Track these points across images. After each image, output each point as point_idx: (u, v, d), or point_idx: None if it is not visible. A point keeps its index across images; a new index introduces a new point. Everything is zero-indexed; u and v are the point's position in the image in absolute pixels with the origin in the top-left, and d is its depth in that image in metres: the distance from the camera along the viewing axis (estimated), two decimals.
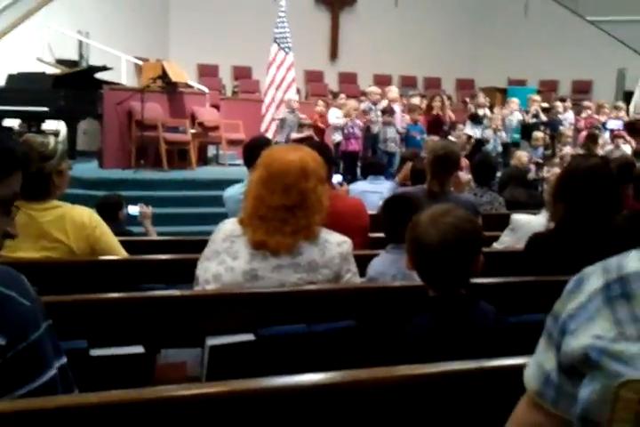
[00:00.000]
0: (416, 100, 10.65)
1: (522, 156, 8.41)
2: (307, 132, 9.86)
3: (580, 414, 0.79)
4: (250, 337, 2.21)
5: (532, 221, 3.56)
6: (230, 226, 2.52)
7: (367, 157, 9.48)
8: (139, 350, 2.07)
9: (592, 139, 9.87)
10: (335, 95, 11.96)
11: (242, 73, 16.21)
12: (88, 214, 3.03)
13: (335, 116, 10.04)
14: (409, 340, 2.02)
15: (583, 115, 12.03)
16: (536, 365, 0.88)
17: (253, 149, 4.25)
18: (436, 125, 10.32)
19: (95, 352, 2.00)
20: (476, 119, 10.52)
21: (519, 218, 3.69)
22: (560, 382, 0.83)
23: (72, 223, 2.93)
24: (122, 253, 3.17)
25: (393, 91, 10.81)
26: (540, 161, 9.68)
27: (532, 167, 8.93)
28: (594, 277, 0.83)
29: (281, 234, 2.38)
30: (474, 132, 10.40)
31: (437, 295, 2.09)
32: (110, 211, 4.99)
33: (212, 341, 2.16)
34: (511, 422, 0.96)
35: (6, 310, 1.19)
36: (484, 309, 2.12)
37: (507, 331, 2.15)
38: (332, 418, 1.60)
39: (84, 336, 2.02)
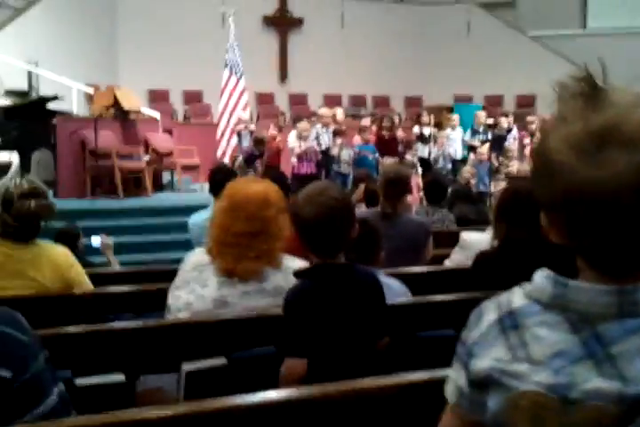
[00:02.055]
0: (366, 121, 10.90)
1: (464, 171, 8.81)
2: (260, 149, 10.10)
3: (491, 419, 1.02)
4: (223, 361, 2.36)
5: (478, 239, 3.76)
6: (198, 256, 2.68)
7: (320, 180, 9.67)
8: (120, 377, 2.21)
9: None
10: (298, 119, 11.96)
11: (193, 97, 16.32)
12: (64, 255, 3.17)
13: (293, 140, 10.16)
14: (286, 304, 2.35)
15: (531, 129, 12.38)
16: (452, 381, 1.11)
17: (218, 178, 4.41)
18: (389, 146, 10.57)
19: (80, 381, 2.13)
20: (423, 140, 10.85)
21: (467, 236, 3.91)
22: (471, 395, 1.05)
23: (49, 263, 3.05)
24: (90, 288, 3.30)
25: (339, 113, 11.02)
26: (486, 176, 10.00)
27: (473, 182, 9.20)
28: (490, 312, 1.05)
29: (246, 259, 2.56)
30: (424, 152, 10.73)
31: (317, 263, 2.42)
32: (69, 242, 5.06)
33: (188, 366, 2.30)
34: None
35: (7, 346, 1.34)
36: (360, 272, 2.48)
37: (379, 287, 2.49)
38: None
39: (68, 366, 2.15)
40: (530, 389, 0.96)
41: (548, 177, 0.95)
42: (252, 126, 10.91)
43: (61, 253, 3.17)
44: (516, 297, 1.04)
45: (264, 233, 2.61)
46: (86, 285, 3.25)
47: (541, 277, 1.02)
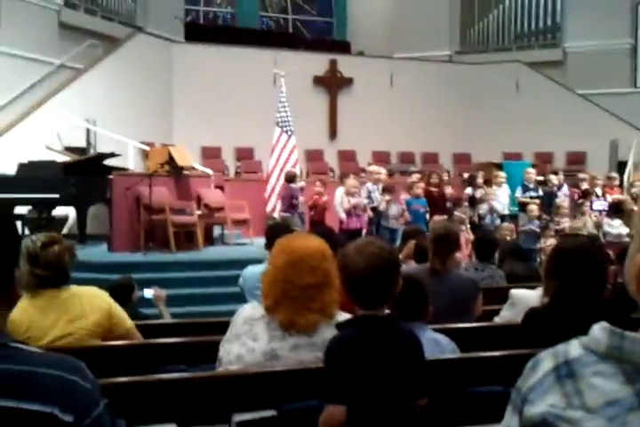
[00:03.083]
0: (415, 178, 10.97)
1: (503, 228, 8.92)
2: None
3: None
4: (272, 413, 2.39)
5: (529, 296, 3.75)
6: (249, 310, 2.74)
7: (371, 235, 9.72)
8: None
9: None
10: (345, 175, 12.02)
11: (244, 154, 16.65)
12: (96, 290, 3.46)
13: (340, 196, 10.24)
14: (329, 351, 2.41)
15: (583, 186, 12.31)
16: (505, 426, 1.15)
17: (275, 233, 4.49)
18: (437, 203, 10.61)
19: None
20: (473, 202, 10.87)
21: (517, 292, 3.90)
22: None
23: (87, 297, 3.32)
24: (132, 326, 3.50)
25: (381, 171, 11.05)
26: (538, 231, 9.98)
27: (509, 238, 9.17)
28: (546, 360, 1.10)
29: (308, 312, 2.62)
30: (472, 213, 10.76)
31: (363, 314, 2.48)
32: (123, 293, 5.18)
33: (238, 417, 2.34)
34: None
35: (72, 392, 1.41)
36: (402, 328, 2.53)
37: (420, 347, 2.53)
38: None
39: (123, 416, 2.21)
40: None
41: None
42: (302, 183, 11.08)
43: (93, 288, 3.46)
44: (573, 348, 1.08)
45: (327, 284, 2.69)
46: (128, 321, 3.46)
47: (598, 328, 1.06)
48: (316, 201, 10.55)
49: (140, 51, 15.08)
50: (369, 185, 10.53)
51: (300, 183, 10.95)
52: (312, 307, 2.65)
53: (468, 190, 11.29)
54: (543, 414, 1.04)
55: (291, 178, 10.85)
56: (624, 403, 0.98)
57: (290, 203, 10.76)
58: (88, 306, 3.28)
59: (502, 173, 11.75)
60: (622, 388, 0.99)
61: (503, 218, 10.86)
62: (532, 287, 4.09)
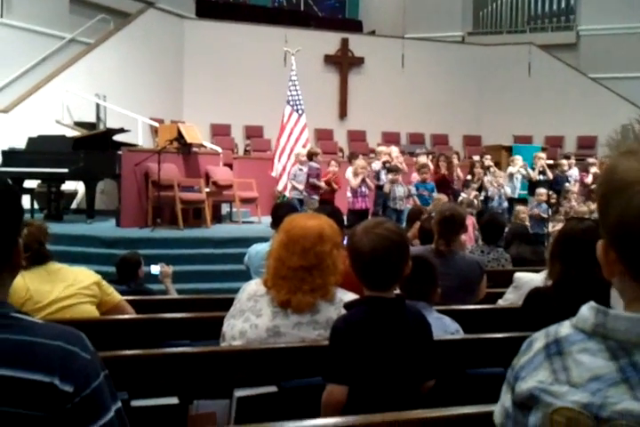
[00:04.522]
0: (423, 159, 10.93)
1: (519, 211, 8.82)
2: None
3: None
4: (273, 389, 2.42)
5: (534, 279, 3.75)
6: (254, 286, 2.76)
7: (377, 215, 9.70)
8: (173, 401, 2.28)
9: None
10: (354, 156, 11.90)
11: (254, 132, 16.63)
12: (82, 267, 3.76)
13: (349, 177, 10.20)
14: (334, 330, 2.40)
15: (592, 171, 12.26)
16: (500, 404, 1.20)
17: (281, 212, 4.50)
18: (444, 185, 10.58)
19: (135, 403, 2.21)
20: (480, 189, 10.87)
21: (522, 276, 3.90)
22: (515, 415, 1.14)
23: (75, 270, 3.64)
24: (122, 299, 3.69)
25: (394, 151, 11.03)
26: (545, 216, 9.94)
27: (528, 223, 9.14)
28: (539, 340, 1.15)
29: (301, 292, 2.62)
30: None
31: (369, 296, 2.45)
32: (130, 269, 5.22)
33: (239, 392, 2.36)
34: None
35: (72, 363, 1.41)
36: (410, 310, 2.51)
37: (429, 329, 2.52)
38: None
39: (125, 389, 2.23)
40: (566, 406, 1.04)
41: (619, 195, 1.03)
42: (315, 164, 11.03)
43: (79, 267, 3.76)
44: (564, 328, 1.13)
45: (318, 267, 2.67)
46: (113, 290, 3.69)
47: (586, 307, 1.11)
48: (328, 179, 10.51)
49: (150, 26, 15.02)
50: (378, 165, 10.51)
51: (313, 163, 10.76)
52: (303, 288, 2.65)
53: (469, 178, 11.30)
54: (530, 389, 1.09)
55: (310, 156, 10.69)
56: (607, 378, 1.03)
57: (307, 182, 10.59)
58: (79, 275, 3.58)
59: (518, 157, 11.65)
60: (607, 364, 1.04)
61: (510, 201, 10.83)
62: (537, 271, 4.10)
